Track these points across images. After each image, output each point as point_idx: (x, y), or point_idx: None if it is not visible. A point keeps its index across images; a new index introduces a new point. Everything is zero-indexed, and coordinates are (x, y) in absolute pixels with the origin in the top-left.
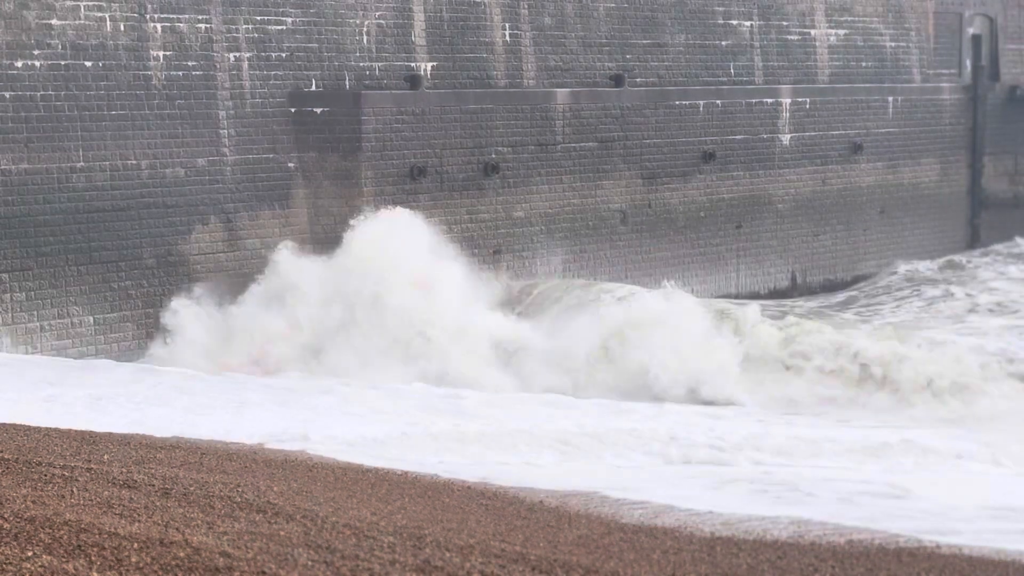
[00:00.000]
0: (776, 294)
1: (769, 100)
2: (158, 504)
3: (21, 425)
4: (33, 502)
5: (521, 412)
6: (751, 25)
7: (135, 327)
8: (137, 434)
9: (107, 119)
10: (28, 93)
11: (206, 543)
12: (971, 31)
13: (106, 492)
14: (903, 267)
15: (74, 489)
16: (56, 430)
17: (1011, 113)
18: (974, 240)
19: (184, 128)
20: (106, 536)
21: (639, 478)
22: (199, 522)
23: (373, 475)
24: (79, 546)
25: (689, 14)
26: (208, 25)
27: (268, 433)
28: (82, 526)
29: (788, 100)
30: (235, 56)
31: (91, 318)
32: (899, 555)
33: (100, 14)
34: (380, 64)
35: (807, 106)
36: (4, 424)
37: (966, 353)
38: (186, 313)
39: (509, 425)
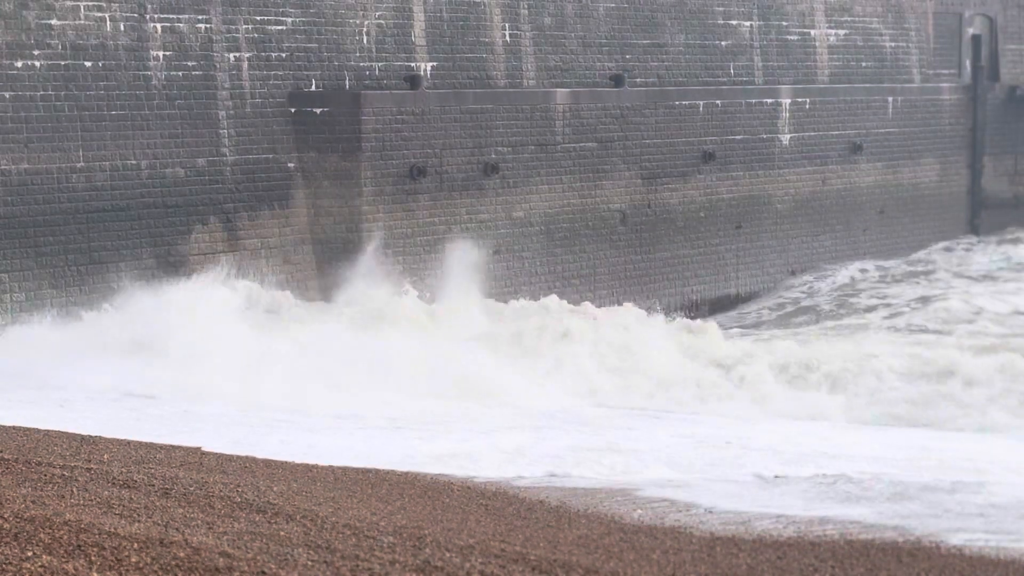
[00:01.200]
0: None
1: (769, 100)
2: (158, 504)
3: (21, 425)
4: (33, 502)
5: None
6: (751, 25)
7: None
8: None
9: (107, 119)
10: (28, 93)
11: (206, 543)
12: (971, 31)
13: (106, 492)
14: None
15: (74, 489)
16: (56, 430)
17: (1011, 113)
18: None
19: (184, 128)
20: (106, 536)
21: (687, 475)
22: (199, 522)
23: (373, 475)
24: (79, 546)
25: (689, 14)
26: (208, 25)
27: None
28: (82, 526)
29: (788, 100)
30: (235, 56)
31: None
32: (899, 555)
33: (100, 14)
34: (380, 64)
35: (807, 106)
36: (4, 424)
37: None
38: None
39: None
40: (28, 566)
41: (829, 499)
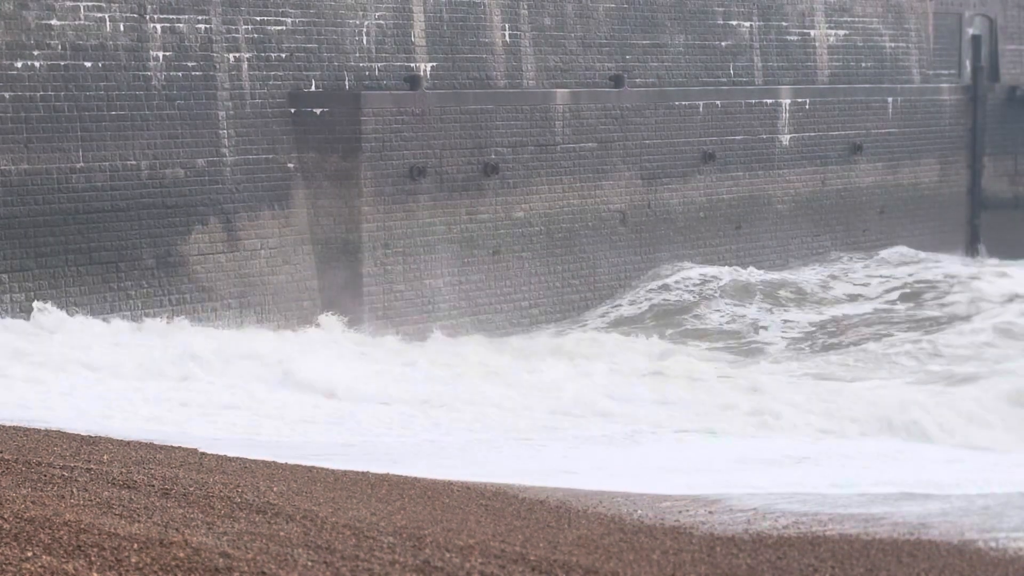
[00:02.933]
0: None
1: (769, 100)
2: (158, 504)
3: (21, 426)
4: (33, 502)
5: None
6: (751, 25)
7: None
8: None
9: (107, 119)
10: (28, 93)
11: (206, 543)
12: (971, 31)
13: (106, 492)
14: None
15: (74, 489)
16: (56, 430)
17: (1011, 113)
18: (973, 241)
19: (184, 128)
20: (106, 536)
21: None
22: (199, 522)
23: (373, 475)
24: (79, 546)
25: (689, 14)
26: (208, 26)
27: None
28: (82, 526)
29: (788, 100)
30: (235, 56)
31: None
32: (899, 555)
33: (100, 14)
34: (380, 64)
35: (807, 106)
36: (4, 425)
37: None
38: None
39: None
40: (28, 566)
41: None
